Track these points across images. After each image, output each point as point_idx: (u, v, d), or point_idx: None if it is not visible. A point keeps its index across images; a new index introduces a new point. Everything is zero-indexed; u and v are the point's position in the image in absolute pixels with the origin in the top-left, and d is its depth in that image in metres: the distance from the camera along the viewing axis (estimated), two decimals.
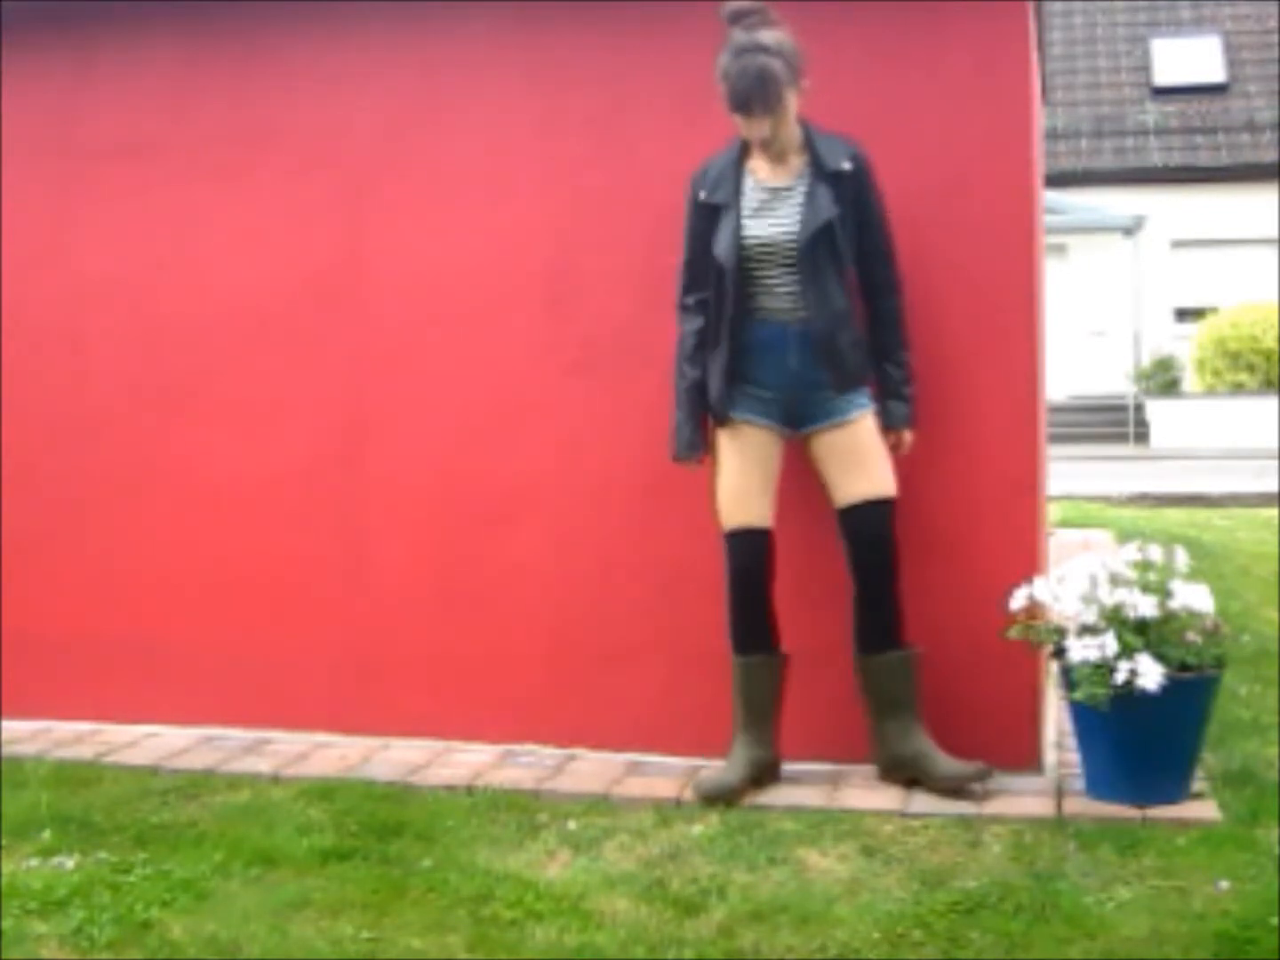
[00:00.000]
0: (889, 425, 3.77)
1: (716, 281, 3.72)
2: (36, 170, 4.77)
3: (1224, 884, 3.07)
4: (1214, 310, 20.12)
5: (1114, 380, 21.04)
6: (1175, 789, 3.57)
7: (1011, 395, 3.84)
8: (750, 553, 3.76)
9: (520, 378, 4.30)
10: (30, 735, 4.56)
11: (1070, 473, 12.01)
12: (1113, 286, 21.79)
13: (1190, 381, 20.32)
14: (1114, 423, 20.07)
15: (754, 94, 3.59)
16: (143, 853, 3.43)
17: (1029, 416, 3.91)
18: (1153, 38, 23.39)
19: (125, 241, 4.68)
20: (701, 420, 3.81)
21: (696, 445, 3.81)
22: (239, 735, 4.48)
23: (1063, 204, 19.76)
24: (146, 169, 4.65)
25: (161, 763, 4.22)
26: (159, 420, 4.65)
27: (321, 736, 4.41)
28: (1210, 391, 19.56)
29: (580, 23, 4.23)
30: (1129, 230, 21.36)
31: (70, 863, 3.38)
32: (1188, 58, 22.84)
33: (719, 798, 3.67)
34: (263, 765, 4.16)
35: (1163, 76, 22.77)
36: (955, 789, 3.63)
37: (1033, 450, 3.97)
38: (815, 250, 3.64)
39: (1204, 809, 3.52)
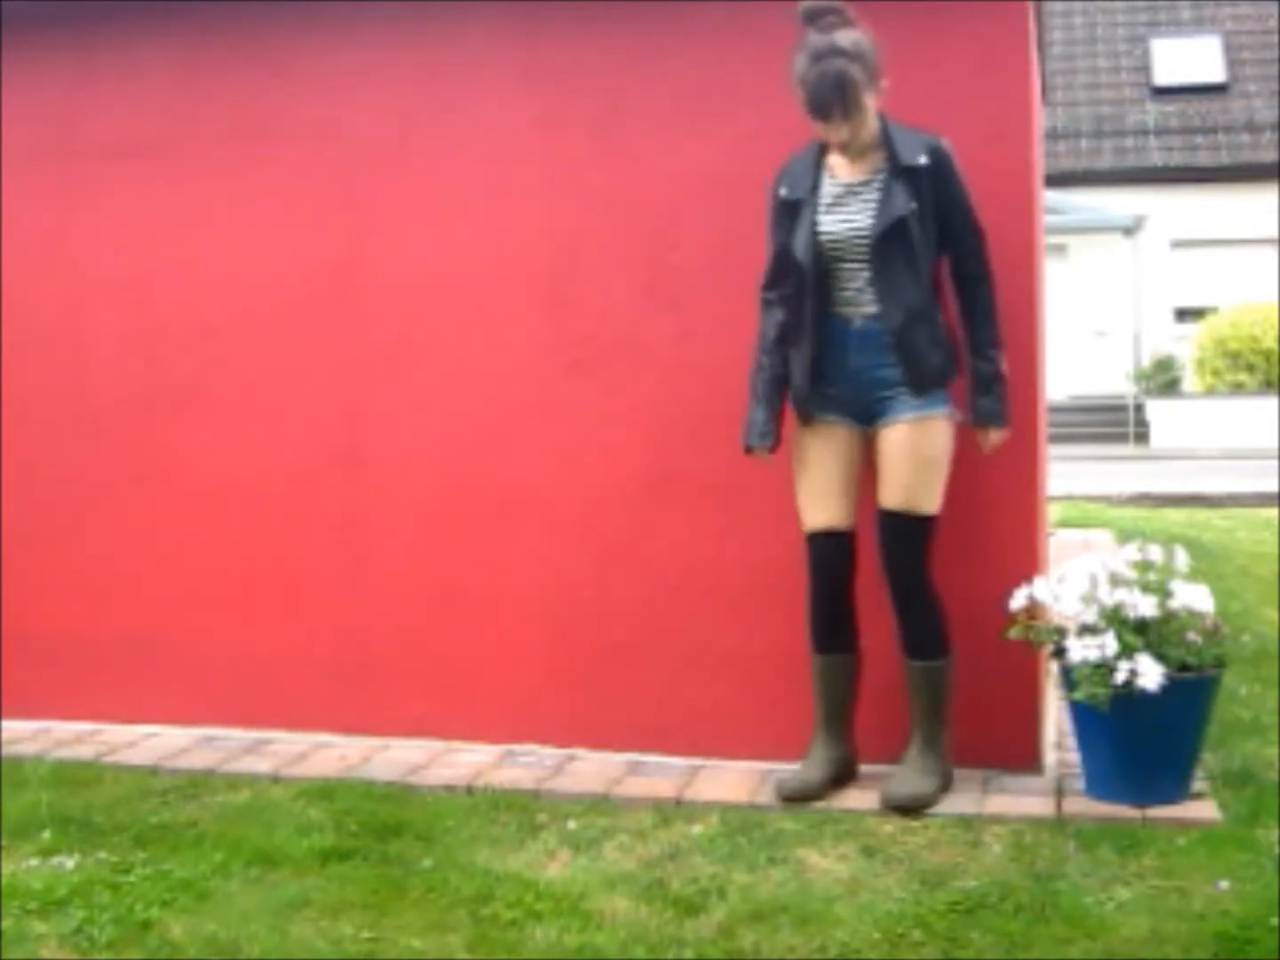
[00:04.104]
0: (977, 422, 3.72)
1: (796, 278, 3.69)
2: (37, 170, 4.77)
3: (1224, 884, 3.07)
4: (1214, 310, 20.13)
5: (1114, 380, 21.04)
6: (1175, 789, 3.57)
7: (1012, 395, 3.83)
8: (831, 554, 3.72)
9: (520, 378, 4.30)
10: (30, 735, 4.56)
11: (1070, 473, 12.01)
12: (1113, 286, 21.79)
13: (1190, 381, 20.33)
14: (1114, 423, 20.07)
15: (833, 101, 3.54)
16: (143, 853, 3.43)
17: (1029, 416, 3.91)
18: (1153, 38, 23.40)
19: (125, 241, 4.68)
20: (778, 412, 3.76)
21: (768, 434, 3.74)
22: (239, 735, 4.48)
23: (1063, 204, 19.76)
24: (146, 169, 4.65)
25: (161, 763, 4.22)
26: (159, 420, 4.65)
27: (321, 736, 4.42)
28: (1210, 391, 19.57)
29: (580, 22, 4.23)
30: (1129, 230, 21.37)
31: (70, 863, 3.38)
32: (1188, 58, 22.84)
33: (801, 797, 3.65)
34: (263, 765, 4.16)
35: (1163, 76, 22.77)
36: (888, 805, 3.60)
37: (1033, 450, 3.97)
38: (888, 246, 3.59)
39: (1204, 809, 3.52)
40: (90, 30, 4.69)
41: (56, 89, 4.76)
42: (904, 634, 3.73)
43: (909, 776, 3.65)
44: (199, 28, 4.58)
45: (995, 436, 3.75)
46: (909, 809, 3.57)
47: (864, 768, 3.84)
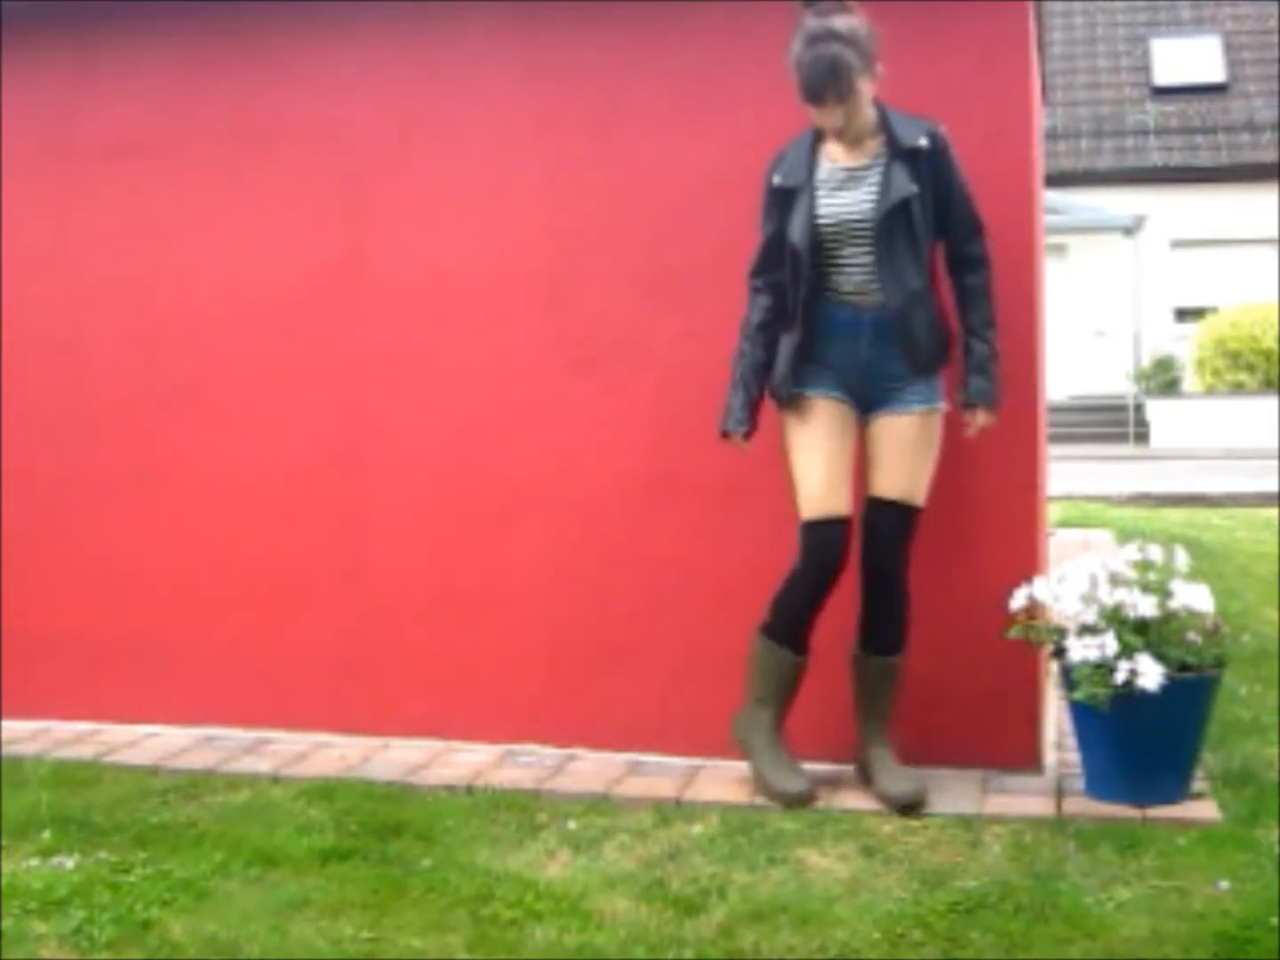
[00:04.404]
0: (969, 402, 3.68)
1: (791, 264, 3.67)
2: (37, 171, 4.77)
3: (1224, 884, 3.07)
4: (1214, 310, 20.13)
5: (1114, 380, 21.05)
6: (1175, 789, 3.57)
7: (1011, 395, 3.83)
8: (832, 546, 3.63)
9: (520, 378, 4.31)
10: (30, 735, 4.56)
11: (1070, 473, 12.02)
12: (1113, 286, 21.79)
13: (1190, 381, 20.33)
14: (1114, 423, 20.08)
15: (826, 84, 3.53)
16: (143, 853, 3.43)
17: (1029, 416, 3.92)
18: (1153, 38, 23.41)
19: (125, 241, 4.68)
20: (755, 399, 3.73)
21: (744, 421, 3.73)
22: (239, 735, 4.48)
23: (1063, 204, 19.77)
24: (147, 169, 4.65)
25: (161, 763, 4.22)
26: (159, 420, 4.65)
27: (321, 736, 4.42)
28: (1210, 391, 19.57)
29: (580, 22, 4.23)
30: (1129, 230, 21.37)
31: (70, 863, 3.38)
32: (1188, 58, 22.85)
33: (805, 802, 3.62)
34: (263, 765, 4.16)
35: (1163, 76, 22.78)
36: (894, 806, 3.59)
37: (1033, 450, 3.97)
38: (891, 228, 3.59)
39: (1204, 809, 3.52)
40: (90, 30, 4.69)
41: (56, 89, 4.76)
42: (876, 629, 3.71)
43: (898, 776, 3.65)
44: (199, 28, 4.58)
45: (983, 418, 3.70)
46: (912, 807, 3.57)
47: (851, 768, 3.83)
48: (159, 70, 4.65)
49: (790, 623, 3.71)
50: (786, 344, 3.69)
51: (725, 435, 3.78)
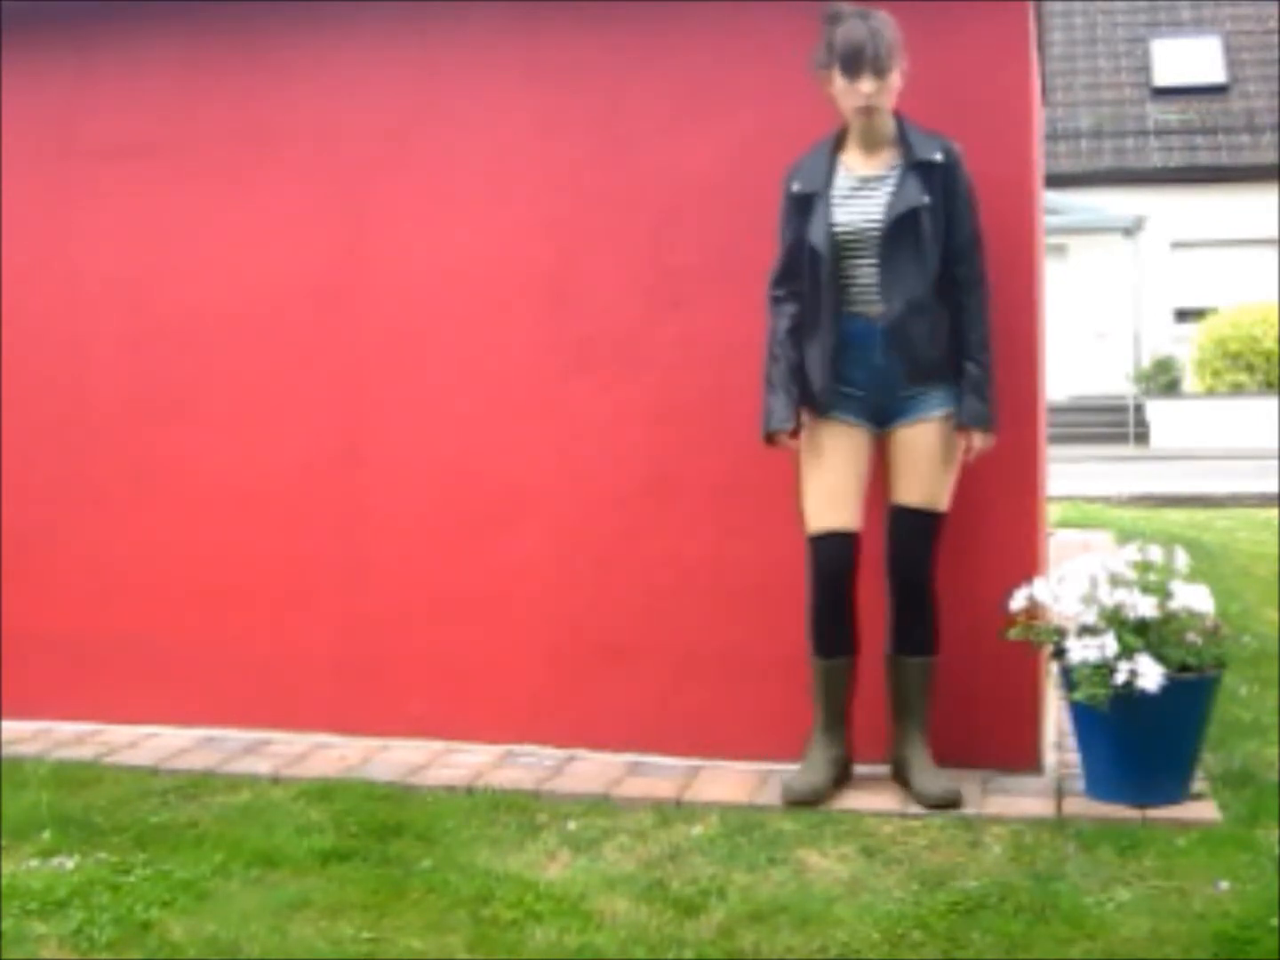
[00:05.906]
0: (962, 423, 3.67)
1: (811, 270, 3.67)
2: (37, 171, 4.77)
3: (1224, 884, 3.07)
4: (1214, 311, 20.14)
5: (1114, 381, 21.05)
6: (1175, 789, 3.57)
7: (1012, 396, 3.84)
8: (837, 557, 3.68)
9: (520, 378, 4.30)
10: (30, 735, 4.56)
11: (1070, 473, 12.03)
12: (1113, 287, 21.79)
13: (1190, 382, 20.33)
14: (1114, 423, 20.08)
15: (865, 51, 3.56)
16: (143, 853, 3.43)
17: (1029, 417, 3.92)
18: (1153, 38, 23.41)
19: (125, 242, 4.68)
20: (796, 399, 3.69)
21: (788, 420, 3.68)
22: (239, 735, 4.48)
23: (1063, 204, 19.77)
24: (146, 169, 4.65)
25: (161, 763, 4.22)
26: (159, 420, 4.65)
27: (321, 737, 4.41)
28: (1210, 392, 19.57)
29: (580, 22, 4.23)
30: (1129, 230, 21.37)
31: (70, 863, 3.38)
32: (1188, 58, 22.85)
33: (808, 800, 3.64)
34: (262, 766, 4.16)
35: (1163, 77, 22.78)
36: (927, 804, 3.60)
37: (1033, 451, 3.97)
38: (898, 236, 3.60)
39: (1204, 809, 3.53)
40: (90, 30, 4.69)
41: (56, 89, 4.75)
42: (906, 631, 3.72)
43: (933, 774, 3.66)
44: (199, 28, 4.58)
45: (980, 440, 3.70)
46: (945, 805, 3.58)
47: (860, 769, 3.84)
48: (159, 71, 4.64)
49: (815, 630, 3.76)
50: (818, 355, 3.66)
51: (770, 438, 3.72)
